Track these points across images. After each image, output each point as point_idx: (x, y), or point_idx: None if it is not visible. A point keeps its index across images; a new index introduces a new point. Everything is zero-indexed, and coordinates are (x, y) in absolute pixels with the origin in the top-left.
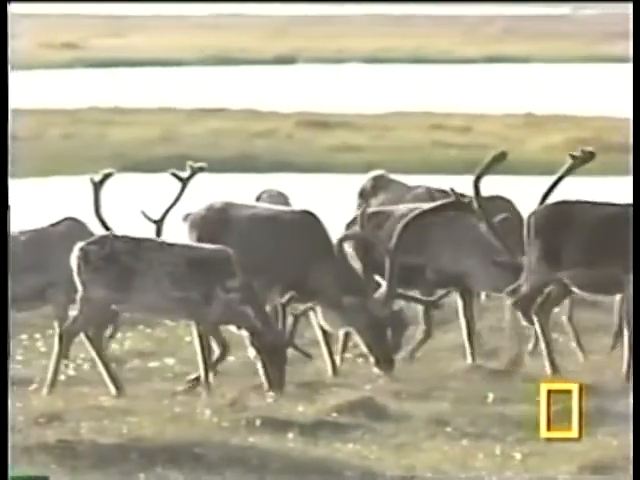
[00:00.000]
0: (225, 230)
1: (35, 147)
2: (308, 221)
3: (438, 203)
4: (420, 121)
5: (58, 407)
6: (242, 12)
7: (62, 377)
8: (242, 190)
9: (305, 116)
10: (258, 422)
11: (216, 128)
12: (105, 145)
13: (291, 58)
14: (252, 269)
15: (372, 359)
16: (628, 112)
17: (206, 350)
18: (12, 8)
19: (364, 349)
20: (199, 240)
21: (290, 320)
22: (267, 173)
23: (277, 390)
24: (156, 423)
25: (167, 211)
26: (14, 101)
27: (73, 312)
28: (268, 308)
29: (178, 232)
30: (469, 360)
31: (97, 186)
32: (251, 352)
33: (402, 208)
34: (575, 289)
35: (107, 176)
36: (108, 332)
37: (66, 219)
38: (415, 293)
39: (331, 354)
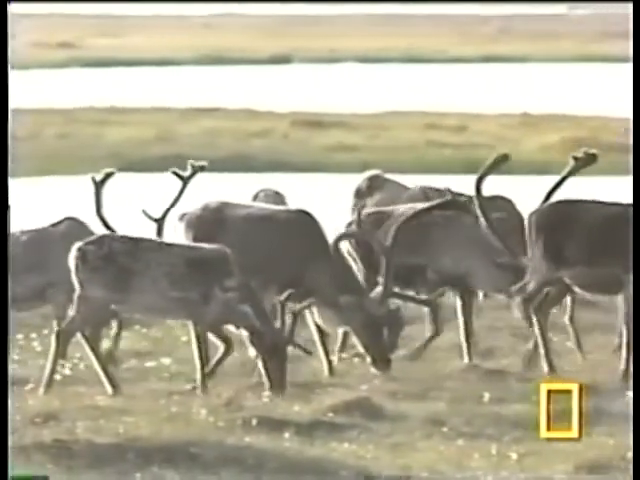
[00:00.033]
0: (221, 230)
1: (31, 147)
2: (304, 220)
3: (434, 202)
4: (415, 121)
5: (54, 407)
6: (237, 12)
7: (58, 377)
8: (238, 190)
9: (300, 116)
10: (254, 422)
11: (212, 128)
12: (101, 145)
13: (286, 58)
14: (248, 269)
15: (369, 359)
16: (624, 112)
17: (203, 350)
18: (9, 8)
19: (360, 349)
20: (195, 240)
21: (289, 318)
22: (263, 173)
23: (278, 390)
24: (152, 423)
25: (168, 210)
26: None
27: (70, 312)
28: (266, 307)
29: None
30: (466, 360)
31: (98, 185)
32: (251, 351)
33: (402, 208)
34: (576, 288)
35: (108, 175)
36: (114, 331)
37: (66, 219)
38: (416, 293)
39: (327, 354)
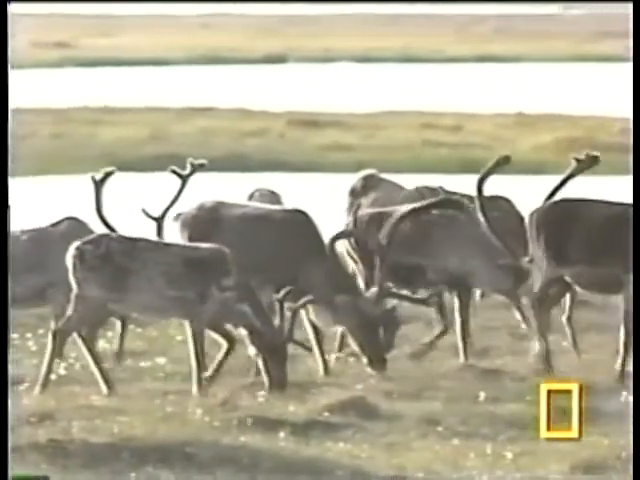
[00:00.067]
0: (216, 229)
1: (25, 146)
2: (300, 220)
3: (428, 201)
4: (411, 120)
5: (49, 406)
6: (232, 11)
7: (53, 376)
8: (233, 189)
9: (296, 115)
10: (249, 421)
11: (206, 127)
12: (95, 144)
13: (281, 57)
14: (244, 268)
15: (364, 359)
16: (619, 111)
17: (199, 349)
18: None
19: (356, 348)
20: (190, 239)
21: (288, 316)
22: (258, 172)
23: (279, 389)
24: (147, 422)
25: (168, 208)
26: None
27: (68, 311)
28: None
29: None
30: (462, 359)
31: (98, 184)
32: (251, 350)
33: (403, 209)
34: (577, 287)
35: (108, 174)
36: (118, 331)
37: (66, 219)
38: (417, 293)
39: (322, 353)
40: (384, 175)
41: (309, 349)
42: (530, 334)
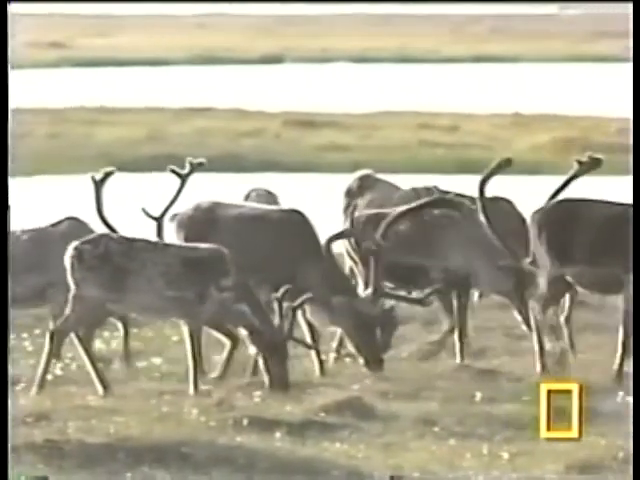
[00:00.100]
0: (213, 230)
1: (21, 146)
2: (296, 220)
3: (422, 201)
4: (407, 120)
5: (45, 407)
6: (229, 12)
7: (49, 377)
8: (229, 190)
9: (292, 115)
10: (245, 422)
11: (203, 127)
12: (92, 145)
13: (278, 57)
14: (240, 268)
15: (361, 359)
16: (616, 111)
17: (197, 350)
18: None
19: (352, 349)
20: (186, 240)
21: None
22: (254, 172)
23: (281, 388)
24: (143, 423)
25: (167, 208)
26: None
27: (65, 311)
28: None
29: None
30: (458, 360)
31: (98, 184)
32: (252, 350)
33: (397, 209)
34: (579, 287)
35: (108, 174)
36: (121, 332)
37: (67, 219)
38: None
39: (318, 354)
40: (380, 175)
41: (309, 346)
42: (531, 335)
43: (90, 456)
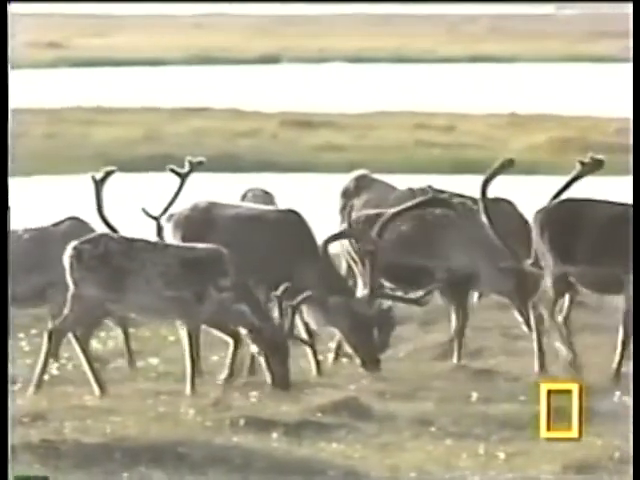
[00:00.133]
0: (210, 230)
1: (18, 146)
2: (293, 220)
3: (415, 201)
4: (403, 120)
5: (42, 407)
6: (226, 12)
7: (45, 377)
8: (226, 190)
9: (289, 116)
10: (242, 422)
11: (200, 127)
12: (88, 144)
13: (275, 57)
14: (237, 269)
15: (358, 360)
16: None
17: (195, 350)
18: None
19: (349, 350)
20: (183, 240)
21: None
22: (251, 173)
23: (282, 387)
24: (140, 423)
25: (167, 207)
26: None
27: (64, 311)
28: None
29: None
30: (455, 360)
31: (99, 184)
32: (253, 349)
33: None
34: (580, 287)
35: (109, 174)
36: (121, 332)
37: (68, 219)
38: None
39: (315, 354)
40: (377, 175)
41: (310, 344)
42: (531, 336)
43: (87, 456)
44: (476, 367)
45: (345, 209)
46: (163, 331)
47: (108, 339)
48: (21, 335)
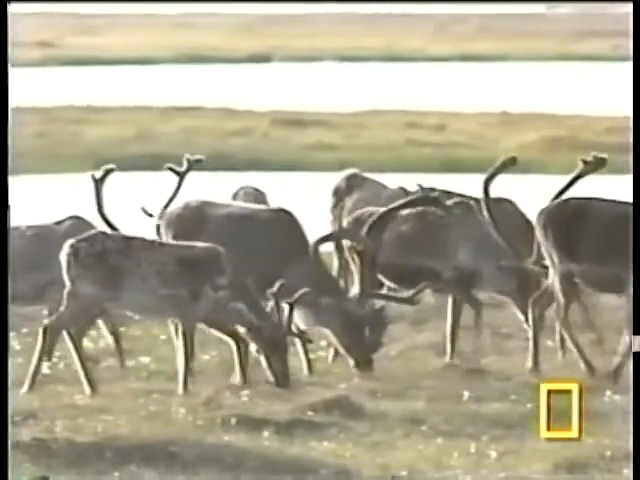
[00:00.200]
0: (201, 228)
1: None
2: (284, 219)
3: (405, 199)
4: (394, 119)
5: (33, 405)
6: (216, 10)
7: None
8: (217, 188)
9: (280, 115)
10: (233, 420)
11: (191, 126)
12: (79, 143)
13: (266, 56)
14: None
15: (350, 360)
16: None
17: (189, 349)
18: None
19: (341, 350)
20: (175, 238)
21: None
22: (242, 171)
23: (283, 384)
24: (131, 422)
25: (166, 206)
26: None
27: (60, 308)
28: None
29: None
30: (447, 359)
31: (98, 183)
32: (252, 347)
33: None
34: (583, 286)
35: (108, 172)
36: (110, 331)
37: (70, 217)
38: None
39: (306, 353)
40: (368, 174)
41: (309, 341)
42: (532, 335)
43: (78, 455)
44: (467, 366)
45: (336, 208)
46: (154, 330)
47: (99, 338)
48: (12, 334)
